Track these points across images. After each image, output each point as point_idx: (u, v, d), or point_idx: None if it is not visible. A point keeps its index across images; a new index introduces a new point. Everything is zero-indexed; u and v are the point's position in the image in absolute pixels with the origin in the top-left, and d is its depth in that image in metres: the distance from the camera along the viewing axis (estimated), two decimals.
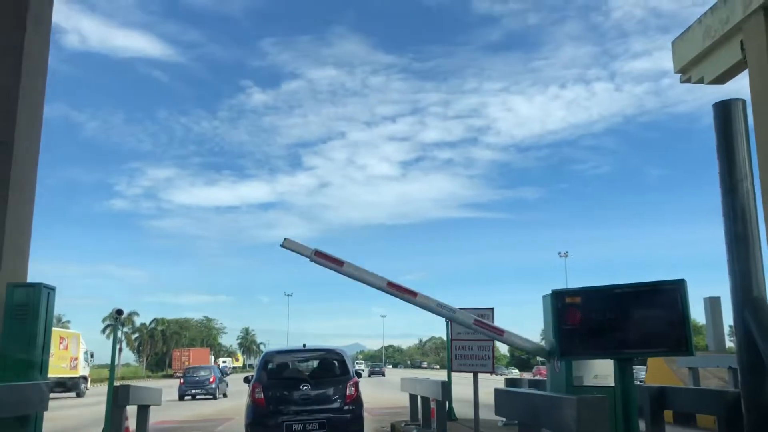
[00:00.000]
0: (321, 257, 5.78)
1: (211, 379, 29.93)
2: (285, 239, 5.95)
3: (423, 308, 5.84)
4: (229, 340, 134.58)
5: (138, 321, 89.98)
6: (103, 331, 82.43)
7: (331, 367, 10.47)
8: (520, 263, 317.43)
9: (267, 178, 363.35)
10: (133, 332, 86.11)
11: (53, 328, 21.30)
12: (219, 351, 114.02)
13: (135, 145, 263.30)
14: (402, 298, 5.81)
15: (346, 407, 9.76)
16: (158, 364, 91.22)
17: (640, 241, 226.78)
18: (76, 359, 33.24)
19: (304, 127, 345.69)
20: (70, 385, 32.00)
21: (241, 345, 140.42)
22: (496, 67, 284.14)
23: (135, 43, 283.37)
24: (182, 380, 30.70)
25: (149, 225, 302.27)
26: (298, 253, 5.90)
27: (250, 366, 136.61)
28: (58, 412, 19.79)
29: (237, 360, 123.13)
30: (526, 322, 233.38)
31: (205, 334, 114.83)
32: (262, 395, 9.66)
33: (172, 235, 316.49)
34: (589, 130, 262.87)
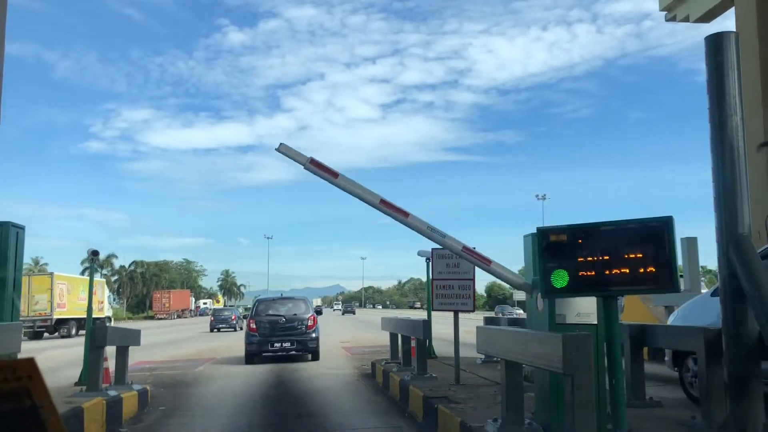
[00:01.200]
0: (316, 166, 5.62)
1: (233, 317, 40.42)
2: (281, 144, 5.75)
3: (413, 229, 5.74)
4: (210, 282, 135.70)
5: (117, 263, 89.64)
6: (82, 273, 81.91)
7: (297, 308, 15.90)
8: (499, 206, 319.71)
9: (245, 120, 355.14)
10: (113, 274, 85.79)
11: (79, 277, 29.31)
12: (199, 293, 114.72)
13: (109, 85, 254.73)
14: (393, 217, 5.70)
15: (307, 332, 15.34)
16: (138, 306, 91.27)
17: (619, 184, 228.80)
18: (102, 302, 37.49)
19: (282, 68, 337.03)
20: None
21: (221, 287, 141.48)
22: (477, 7, 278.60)
23: None
24: (213, 318, 41.29)
25: (126, 167, 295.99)
26: (293, 159, 5.68)
27: (231, 307, 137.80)
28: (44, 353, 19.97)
29: (218, 302, 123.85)
30: (504, 263, 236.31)
31: (185, 277, 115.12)
32: (255, 325, 15.32)
33: (150, 178, 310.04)
34: (570, 73, 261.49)
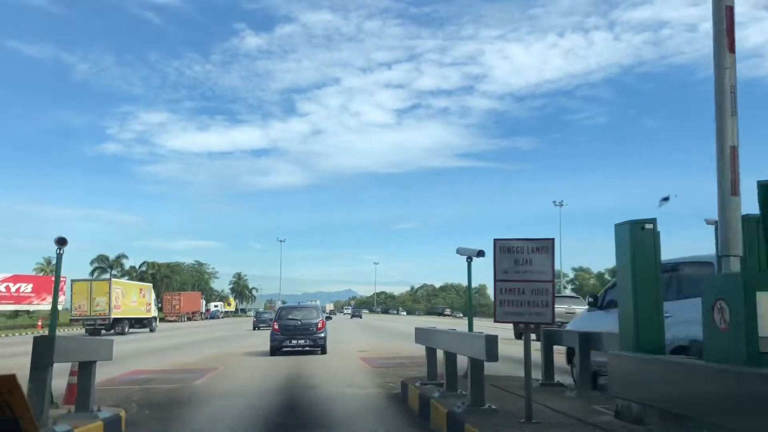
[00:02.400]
0: None
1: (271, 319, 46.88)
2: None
3: None
4: (222, 285, 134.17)
5: (127, 264, 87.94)
6: (92, 273, 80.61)
7: (310, 314, 19.83)
8: (514, 213, 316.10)
9: (260, 124, 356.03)
10: (122, 275, 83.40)
11: (131, 282, 33.89)
12: (210, 295, 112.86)
13: (127, 88, 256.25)
14: None
15: (317, 332, 19.17)
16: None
17: (635, 191, 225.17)
18: (149, 304, 43.14)
19: (298, 72, 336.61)
20: (146, 323, 42.58)
21: (233, 290, 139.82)
22: (493, 13, 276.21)
23: None
24: (255, 318, 46.92)
25: (142, 170, 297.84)
26: None
27: (243, 311, 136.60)
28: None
29: (229, 305, 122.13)
30: None
31: (196, 279, 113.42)
32: (277, 326, 19.28)
33: (165, 180, 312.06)
34: (585, 80, 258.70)
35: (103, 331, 35.40)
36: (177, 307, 75.65)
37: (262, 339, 25.23)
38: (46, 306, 52.83)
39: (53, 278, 37.85)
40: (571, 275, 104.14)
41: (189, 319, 77.11)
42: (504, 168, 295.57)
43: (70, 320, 40.32)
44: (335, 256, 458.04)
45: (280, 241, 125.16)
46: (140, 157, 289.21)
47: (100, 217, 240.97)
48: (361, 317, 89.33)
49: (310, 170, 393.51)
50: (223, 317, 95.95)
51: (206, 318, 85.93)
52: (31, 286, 52.08)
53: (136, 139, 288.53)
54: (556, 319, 24.90)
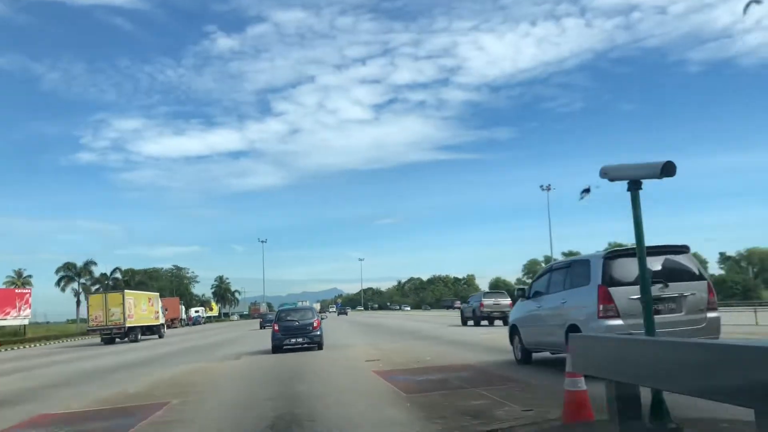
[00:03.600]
0: None
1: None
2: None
3: None
4: (203, 289, 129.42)
5: (97, 271, 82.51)
6: (58, 283, 77.01)
7: (306, 315, 21.47)
8: (498, 201, 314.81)
9: (236, 126, 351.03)
10: (93, 283, 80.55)
11: (142, 293, 35.27)
12: (191, 300, 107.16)
13: (98, 95, 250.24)
14: None
15: (313, 331, 20.43)
16: None
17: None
18: (157, 312, 45.64)
19: (272, 72, 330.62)
20: (155, 330, 44.41)
21: (215, 294, 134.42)
22: (465, 5, 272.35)
23: None
24: (261, 319, 50.14)
25: (119, 177, 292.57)
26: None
27: (226, 315, 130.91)
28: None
29: (211, 309, 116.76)
30: (512, 255, 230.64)
31: (176, 284, 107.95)
32: (277, 327, 20.65)
33: (143, 187, 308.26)
34: (560, 67, 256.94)
35: (117, 340, 39.18)
36: None
37: (258, 342, 27.34)
38: (10, 321, 51.19)
39: (17, 291, 34.34)
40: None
41: (168, 327, 71.52)
42: (484, 158, 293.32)
43: (87, 330, 43.83)
44: (319, 255, 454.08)
45: (262, 241, 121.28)
46: (116, 165, 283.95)
47: (78, 228, 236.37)
48: (346, 314, 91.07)
49: (289, 170, 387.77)
50: (204, 323, 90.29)
51: (188, 324, 79.91)
52: None
53: (111, 146, 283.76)
54: (484, 311, 31.84)
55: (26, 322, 54.20)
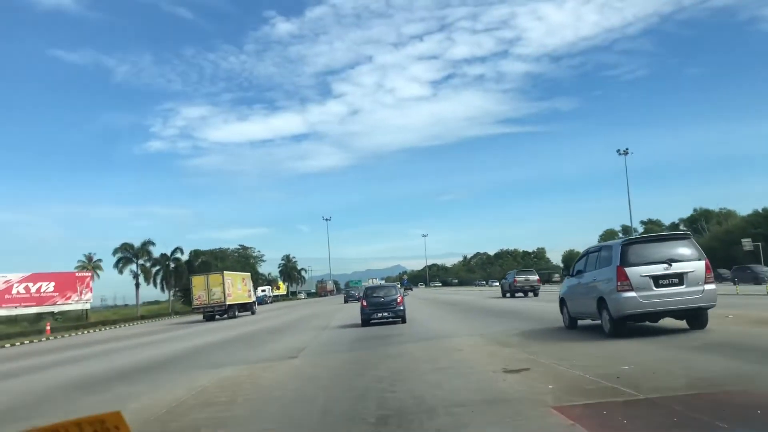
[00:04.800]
0: None
1: (358, 294, 49.20)
2: None
3: None
4: (270, 268, 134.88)
5: (157, 251, 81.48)
6: (116, 265, 76.93)
7: (390, 292, 24.19)
8: (565, 173, 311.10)
9: (298, 109, 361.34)
10: (153, 264, 79.91)
11: (237, 273, 42.73)
12: (257, 280, 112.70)
13: (166, 85, 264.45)
14: None
15: (398, 306, 23.01)
16: (187, 298, 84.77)
17: (685, 139, 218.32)
18: (250, 291, 51.67)
19: (330, 54, 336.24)
20: (248, 307, 50.00)
21: (282, 272, 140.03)
22: None
23: None
24: (345, 294, 60.51)
25: (188, 164, 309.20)
26: None
27: (293, 294, 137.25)
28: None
29: (278, 288, 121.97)
30: (583, 229, 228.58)
31: (242, 264, 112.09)
32: (365, 302, 23.41)
33: (210, 173, 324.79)
34: (623, 33, 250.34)
35: (217, 316, 44.64)
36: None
37: (348, 315, 31.38)
38: (72, 305, 53.02)
39: (77, 274, 39.00)
40: (641, 229, 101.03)
41: None
42: (546, 130, 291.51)
43: (192, 308, 48.71)
44: (382, 232, 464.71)
45: (326, 219, 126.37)
46: (185, 152, 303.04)
47: (152, 214, 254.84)
48: (411, 290, 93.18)
49: (350, 151, 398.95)
50: (271, 302, 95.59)
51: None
52: (53, 284, 50.65)
53: (179, 134, 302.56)
54: (517, 285, 41.34)
55: (88, 306, 55.55)
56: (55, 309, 51.33)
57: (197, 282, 45.71)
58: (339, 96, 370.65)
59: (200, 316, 45.92)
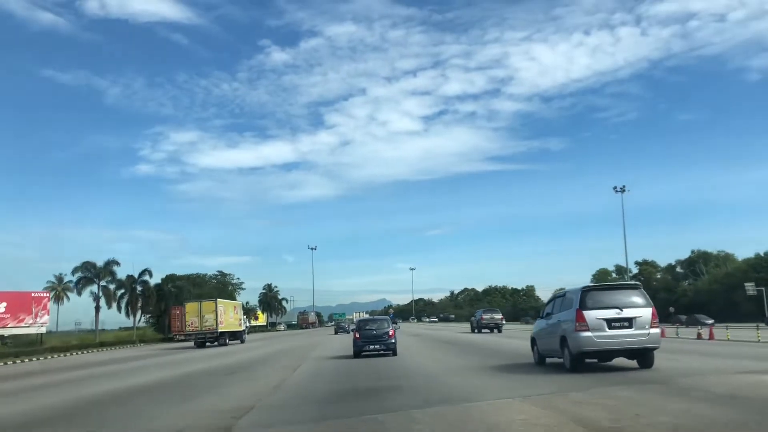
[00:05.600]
0: None
1: (348, 326, 61.45)
2: None
3: None
4: (251, 297, 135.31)
5: (121, 273, 75.79)
6: (76, 285, 72.45)
7: (382, 325, 25.38)
8: (554, 212, 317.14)
9: (289, 138, 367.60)
10: (120, 287, 74.99)
11: (229, 301, 45.35)
12: None
13: (157, 109, 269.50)
14: None
15: (389, 339, 24.28)
16: (158, 325, 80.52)
17: (671, 185, 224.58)
18: (240, 319, 54.98)
19: (324, 85, 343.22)
20: (238, 335, 52.86)
21: (261, 302, 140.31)
22: (517, 15, 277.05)
23: (154, 6, 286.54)
24: (336, 325, 70.56)
25: (175, 189, 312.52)
26: None
27: (273, 324, 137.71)
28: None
29: (256, 318, 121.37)
30: (573, 269, 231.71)
31: (220, 291, 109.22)
32: (358, 335, 24.45)
33: (197, 198, 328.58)
34: (614, 76, 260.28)
35: (207, 344, 46.75)
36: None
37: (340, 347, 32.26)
38: (25, 329, 49.00)
39: (33, 294, 49.37)
40: (635, 270, 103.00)
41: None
42: (536, 169, 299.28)
43: (185, 336, 51.65)
44: (368, 266, 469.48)
45: (311, 248, 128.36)
46: (173, 177, 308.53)
47: (136, 238, 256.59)
48: (398, 325, 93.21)
49: (340, 181, 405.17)
50: (247, 333, 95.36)
51: None
52: (4, 305, 46.62)
53: (167, 158, 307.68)
54: (483, 323, 51.85)
55: (43, 330, 51.59)
56: (5, 332, 47.34)
57: (190, 309, 48.18)
58: (331, 127, 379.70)
59: (163, 345, 48.24)
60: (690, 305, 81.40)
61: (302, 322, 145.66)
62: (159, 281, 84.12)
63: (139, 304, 77.92)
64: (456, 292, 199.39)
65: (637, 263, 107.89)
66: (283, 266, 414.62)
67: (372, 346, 24.25)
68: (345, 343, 28.66)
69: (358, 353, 24.23)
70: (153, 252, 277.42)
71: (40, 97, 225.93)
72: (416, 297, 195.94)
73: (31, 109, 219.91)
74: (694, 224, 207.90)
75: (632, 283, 15.68)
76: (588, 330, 13.71)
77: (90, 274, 72.32)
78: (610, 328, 13.68)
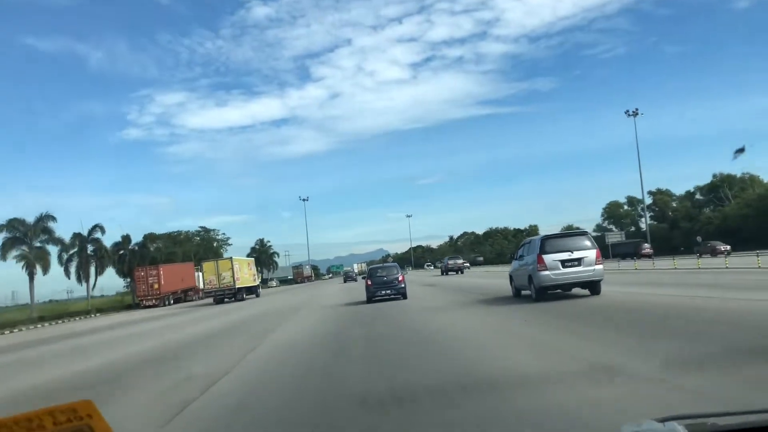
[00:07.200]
0: None
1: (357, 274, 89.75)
2: None
3: None
4: (241, 254, 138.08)
5: (58, 229, 69.93)
6: (2, 246, 63.81)
7: (392, 271, 28.58)
8: (543, 152, 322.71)
9: (277, 94, 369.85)
10: (64, 249, 71.33)
11: (243, 258, 54.65)
12: None
13: (142, 72, 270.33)
14: None
15: (399, 284, 27.68)
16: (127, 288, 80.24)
17: (664, 118, 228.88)
18: (255, 275, 62.93)
19: (308, 37, 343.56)
20: (253, 290, 59.43)
21: (254, 258, 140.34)
22: None
23: None
24: (344, 275, 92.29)
25: (166, 151, 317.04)
26: None
27: (264, 281, 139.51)
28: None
29: None
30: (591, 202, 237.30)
31: (205, 248, 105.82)
32: (370, 282, 28.17)
33: (189, 160, 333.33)
34: (601, 12, 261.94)
35: (225, 300, 52.37)
36: (155, 286, 61.79)
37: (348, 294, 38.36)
38: None
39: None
40: (649, 200, 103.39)
41: (178, 300, 64.72)
42: (526, 111, 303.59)
43: (203, 293, 59.56)
44: (363, 217, 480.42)
45: (303, 200, 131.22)
46: (162, 139, 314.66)
47: (129, 202, 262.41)
48: (407, 273, 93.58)
49: (331, 135, 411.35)
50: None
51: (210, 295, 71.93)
52: None
53: (156, 121, 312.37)
54: (450, 267, 70.30)
55: None
56: None
57: (207, 267, 54.65)
58: (318, 80, 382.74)
59: (128, 314, 49.79)
60: (717, 233, 78.44)
61: (297, 277, 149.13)
62: (141, 240, 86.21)
63: (94, 268, 74.33)
64: (455, 237, 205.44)
65: (650, 192, 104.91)
66: (280, 222, 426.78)
67: (384, 291, 27.52)
68: (350, 293, 34.30)
69: (370, 298, 27.46)
70: (148, 215, 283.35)
71: (20, 66, 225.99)
72: (414, 244, 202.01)
73: (12, 79, 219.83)
74: (704, 153, 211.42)
75: (581, 230, 21.94)
76: (546, 269, 18.91)
77: (18, 232, 64.99)
78: (564, 266, 18.81)
